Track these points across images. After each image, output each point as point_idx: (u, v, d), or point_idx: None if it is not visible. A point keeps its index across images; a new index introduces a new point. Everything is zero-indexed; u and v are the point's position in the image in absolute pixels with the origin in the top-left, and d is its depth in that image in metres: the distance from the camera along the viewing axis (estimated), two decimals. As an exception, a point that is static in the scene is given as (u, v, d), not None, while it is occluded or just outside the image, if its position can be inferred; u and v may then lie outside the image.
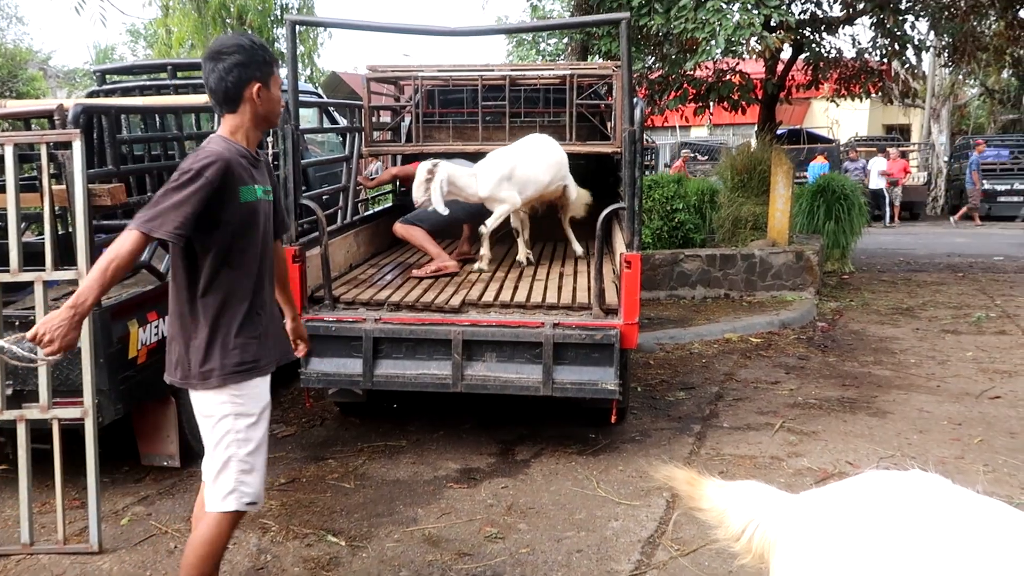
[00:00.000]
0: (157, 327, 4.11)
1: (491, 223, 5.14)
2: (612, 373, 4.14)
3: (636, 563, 3.37)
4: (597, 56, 10.56)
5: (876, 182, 17.64)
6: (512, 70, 6.47)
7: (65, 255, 3.78)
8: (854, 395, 5.61)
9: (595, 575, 3.27)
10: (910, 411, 5.26)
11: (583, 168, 7.19)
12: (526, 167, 5.17)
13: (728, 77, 10.84)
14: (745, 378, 6.05)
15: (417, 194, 4.99)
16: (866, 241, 11.93)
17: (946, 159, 21.19)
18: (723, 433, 4.89)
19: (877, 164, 17.77)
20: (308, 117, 7.88)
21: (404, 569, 3.32)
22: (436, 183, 4.90)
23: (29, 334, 2.32)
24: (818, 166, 16.98)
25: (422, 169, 4.99)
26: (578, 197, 5.57)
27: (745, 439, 4.78)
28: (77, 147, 3.57)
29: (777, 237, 8.87)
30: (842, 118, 23.41)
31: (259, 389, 2.67)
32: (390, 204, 7.17)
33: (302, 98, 5.46)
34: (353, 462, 4.48)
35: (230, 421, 2.57)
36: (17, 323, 3.78)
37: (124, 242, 2.40)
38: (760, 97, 11.15)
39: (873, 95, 13.06)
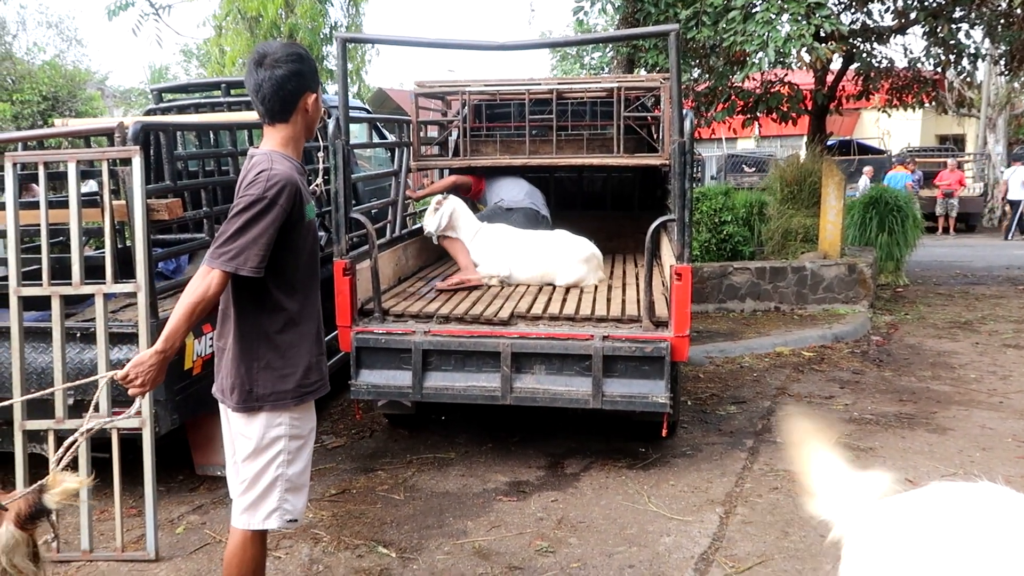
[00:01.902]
0: (212, 339, 4.18)
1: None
2: (662, 386, 4.09)
3: (690, 580, 3.31)
4: (643, 69, 10.53)
5: (1018, 192, 17.09)
6: (559, 83, 6.47)
7: (124, 268, 3.87)
8: (912, 411, 5.46)
9: (648, 591, 3.23)
10: (972, 428, 5.10)
11: (630, 181, 7.17)
12: (523, 260, 5.29)
13: (777, 88, 10.73)
14: (798, 392, 5.93)
15: (427, 221, 5.36)
16: (920, 254, 11.65)
17: (1003, 170, 20.62)
18: (777, 448, 4.79)
19: (1020, 174, 17.16)
20: (356, 132, 7.98)
21: (455, 582, 3.31)
22: (440, 213, 5.28)
23: (120, 375, 2.35)
24: (900, 176, 16.66)
25: (434, 199, 5.38)
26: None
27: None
28: (137, 163, 3.66)
29: (828, 249, 8.71)
30: (894, 129, 23.01)
31: (312, 409, 2.66)
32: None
33: (351, 114, 5.53)
34: (403, 474, 4.49)
35: (284, 443, 2.55)
36: (78, 335, 3.88)
37: (209, 283, 2.36)
38: (809, 108, 11.01)
39: (926, 105, 12.80)
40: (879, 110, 12.65)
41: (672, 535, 3.70)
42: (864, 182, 15.73)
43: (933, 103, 12.98)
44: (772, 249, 9.26)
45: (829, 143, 13.19)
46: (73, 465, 3.62)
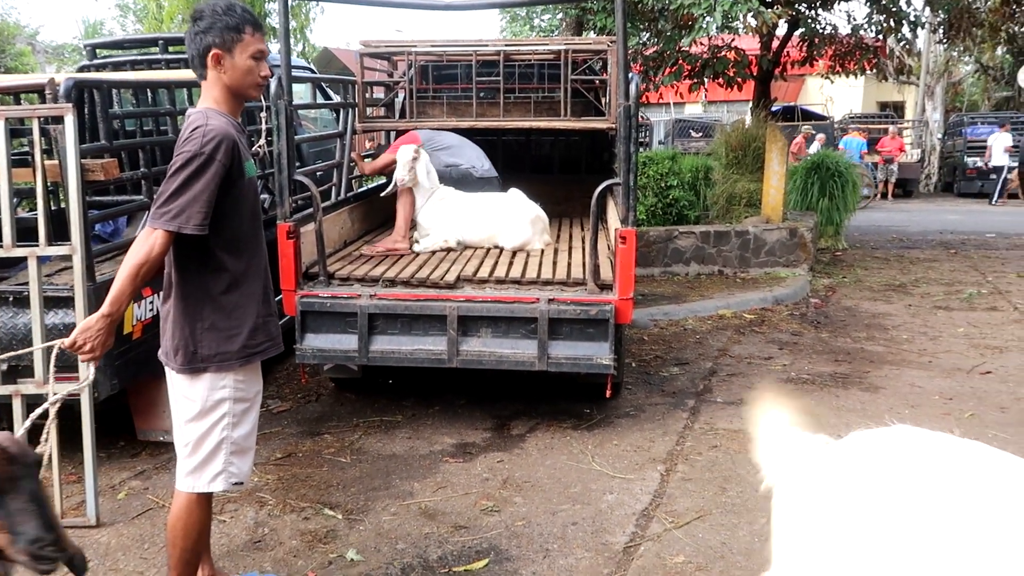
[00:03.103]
0: (152, 303, 4.11)
1: (426, 247, 5.20)
2: (607, 348, 4.16)
3: (631, 535, 3.40)
4: (592, 32, 10.49)
5: (1000, 158, 17.31)
6: (506, 45, 6.43)
7: (59, 231, 3.76)
8: (846, 370, 5.64)
9: (590, 547, 3.31)
10: (902, 386, 5.30)
11: (578, 145, 7.19)
12: (471, 223, 5.28)
13: (723, 53, 10.80)
14: (738, 354, 6.08)
15: (401, 173, 5.13)
16: (859, 218, 11.95)
17: (940, 136, 21.18)
18: (717, 408, 4.92)
19: (1002, 140, 17.36)
20: (300, 93, 7.83)
21: (401, 542, 3.35)
22: (422, 164, 5.15)
23: (67, 342, 2.31)
24: (854, 141, 16.96)
25: (408, 151, 5.15)
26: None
27: (739, 414, 4.81)
28: (70, 121, 3.54)
29: (771, 214, 8.88)
30: (836, 95, 23.40)
31: (258, 372, 2.66)
32: (384, 180, 7.13)
33: (295, 73, 5.41)
34: (349, 437, 4.50)
35: (228, 405, 2.55)
36: (11, 299, 3.77)
37: (152, 243, 2.33)
38: (755, 73, 11.12)
39: (868, 72, 13.03)
40: (823, 76, 12.83)
41: (615, 493, 3.79)
42: (816, 148, 16.05)
43: (874, 70, 13.22)
44: (717, 213, 9.40)
45: (774, 109, 13.38)
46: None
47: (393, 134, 6.65)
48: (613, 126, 5.49)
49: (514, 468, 4.07)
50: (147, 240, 2.35)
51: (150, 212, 2.40)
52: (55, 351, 2.42)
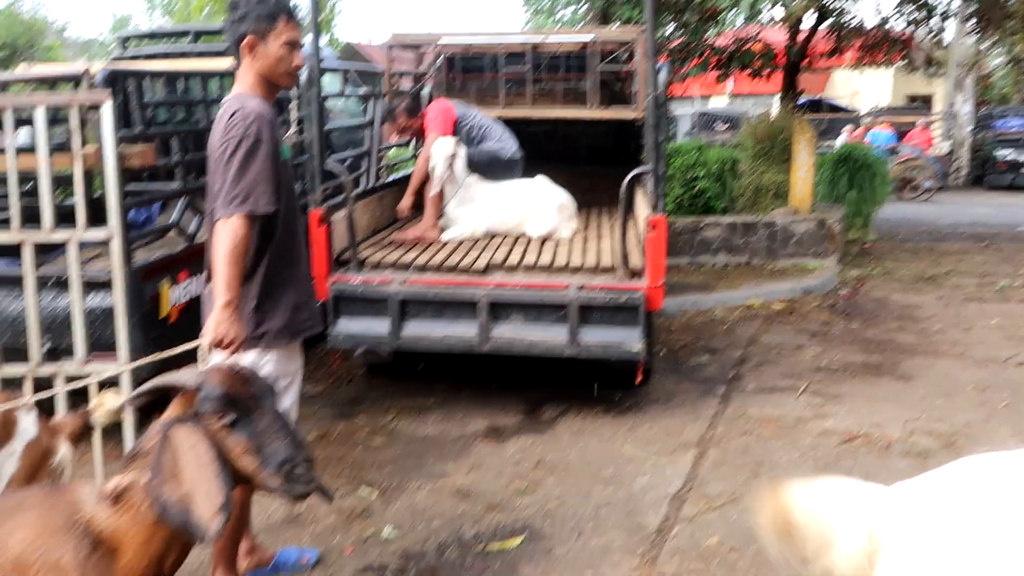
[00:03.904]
0: (187, 287, 4.16)
1: (453, 236, 5.14)
2: (637, 335, 4.15)
3: (664, 516, 3.41)
4: (617, 24, 10.46)
5: None
6: (533, 36, 6.43)
7: (94, 219, 3.81)
8: (878, 360, 5.60)
9: (623, 528, 3.32)
10: (935, 376, 5.25)
11: (604, 135, 7.17)
12: (499, 212, 5.26)
13: (750, 45, 10.74)
14: (768, 343, 6.05)
15: (441, 169, 5.07)
16: (888, 211, 11.81)
17: (970, 129, 20.87)
18: (747, 395, 4.90)
19: None
20: (328, 84, 7.87)
21: (436, 520, 3.38)
22: (459, 161, 5.11)
23: (205, 343, 2.33)
24: (882, 134, 16.78)
25: (447, 145, 5.07)
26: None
27: (770, 401, 4.79)
28: (108, 108, 3.59)
29: (799, 205, 8.81)
30: (864, 88, 23.13)
31: (298, 350, 2.71)
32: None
33: (323, 64, 5.44)
34: (382, 419, 4.53)
35: (271, 381, 2.60)
36: (50, 282, 3.84)
37: (233, 229, 2.37)
38: (782, 65, 11.04)
39: (896, 64, 12.88)
40: (850, 68, 12.71)
41: (647, 476, 3.79)
42: (843, 140, 15.86)
43: (903, 62, 13.06)
44: (744, 205, 9.34)
45: (799, 102, 13.26)
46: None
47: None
48: (641, 116, 5.48)
49: (546, 451, 4.09)
50: (227, 230, 2.38)
51: (218, 206, 2.43)
52: (199, 351, 2.40)
